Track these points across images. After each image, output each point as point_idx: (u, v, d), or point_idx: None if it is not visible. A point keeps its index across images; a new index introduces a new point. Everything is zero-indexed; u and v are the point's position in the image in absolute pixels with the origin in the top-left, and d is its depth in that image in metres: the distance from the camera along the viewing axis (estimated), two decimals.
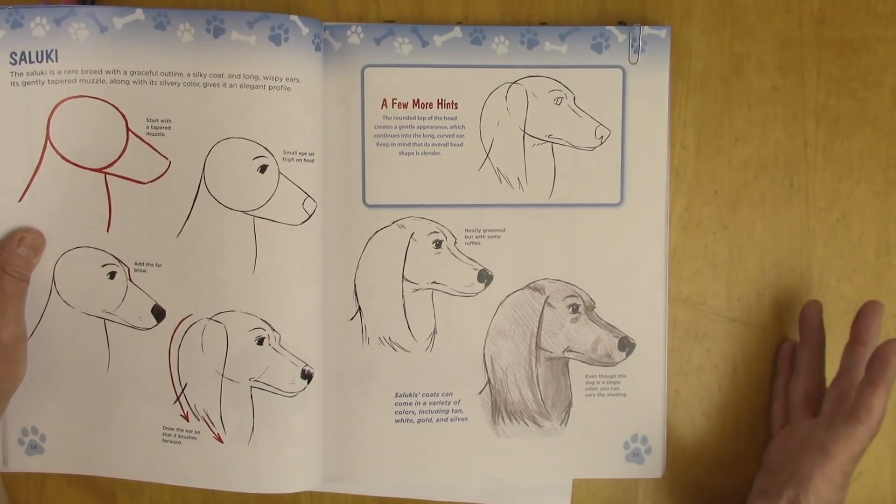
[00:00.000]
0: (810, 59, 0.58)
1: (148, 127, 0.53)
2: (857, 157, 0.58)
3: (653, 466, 0.58)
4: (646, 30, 0.56)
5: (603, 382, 0.57)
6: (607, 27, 0.56)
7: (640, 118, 0.57)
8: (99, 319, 0.55)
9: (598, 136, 0.56)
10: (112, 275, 0.54)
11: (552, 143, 0.56)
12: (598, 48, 0.56)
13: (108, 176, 0.54)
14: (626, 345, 0.57)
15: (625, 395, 0.58)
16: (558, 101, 0.56)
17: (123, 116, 0.53)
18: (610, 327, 0.57)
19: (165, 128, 0.53)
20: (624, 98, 0.56)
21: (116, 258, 0.54)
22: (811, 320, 0.57)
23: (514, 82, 0.56)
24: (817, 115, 0.58)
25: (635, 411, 0.58)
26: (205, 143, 0.53)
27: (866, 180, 0.58)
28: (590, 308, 0.57)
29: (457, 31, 0.56)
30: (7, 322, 0.52)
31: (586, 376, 0.57)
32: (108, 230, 0.54)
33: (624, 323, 0.57)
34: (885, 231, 0.59)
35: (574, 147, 0.56)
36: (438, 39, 0.56)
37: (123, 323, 0.55)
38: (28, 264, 0.53)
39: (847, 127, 0.58)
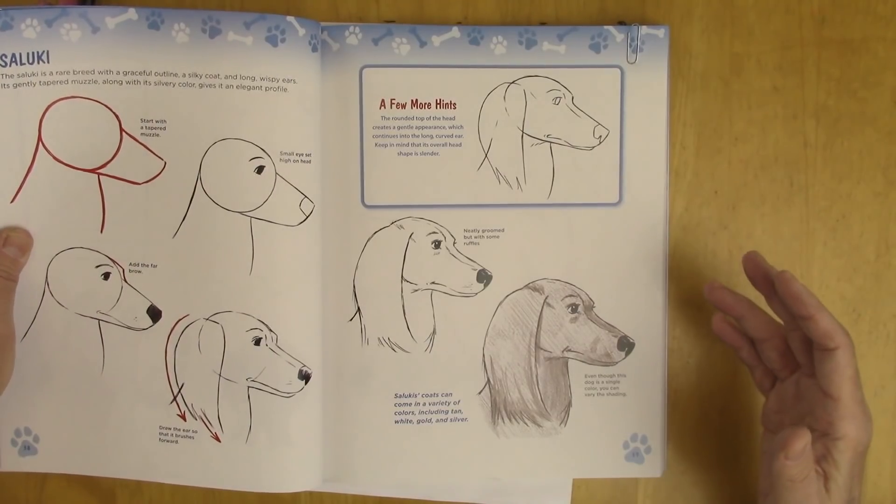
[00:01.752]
0: (810, 59, 0.58)
1: (142, 127, 0.53)
2: (857, 157, 0.59)
3: (652, 466, 0.58)
4: (644, 29, 0.56)
5: (602, 382, 0.57)
6: (605, 27, 0.56)
7: (638, 118, 0.57)
8: (93, 320, 0.54)
9: (597, 135, 0.56)
10: (106, 275, 0.54)
11: (550, 142, 0.56)
12: (596, 48, 0.56)
13: (101, 176, 0.53)
14: (625, 344, 0.57)
15: (624, 395, 0.57)
16: (557, 100, 0.56)
17: (117, 117, 0.53)
18: (609, 327, 0.57)
19: (160, 128, 0.53)
20: (622, 98, 0.56)
21: (111, 259, 0.54)
22: (760, 270, 0.52)
23: (513, 82, 0.56)
24: (817, 115, 0.58)
25: (635, 411, 0.57)
26: (201, 143, 0.53)
27: (866, 180, 0.59)
28: (589, 308, 0.57)
29: (455, 32, 0.56)
30: None
31: (585, 376, 0.57)
32: (101, 231, 0.54)
33: (623, 323, 0.57)
34: (885, 231, 0.59)
35: (572, 147, 0.56)
36: (436, 40, 0.56)
37: (118, 324, 0.54)
38: (15, 263, 0.53)
39: (847, 127, 0.58)
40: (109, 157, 0.53)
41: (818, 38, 0.58)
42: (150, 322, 0.54)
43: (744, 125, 0.58)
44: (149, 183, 0.53)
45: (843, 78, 0.58)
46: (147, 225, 0.53)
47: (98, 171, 0.53)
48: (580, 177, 0.57)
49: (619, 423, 0.58)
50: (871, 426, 0.49)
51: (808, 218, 0.58)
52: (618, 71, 0.56)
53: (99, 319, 0.54)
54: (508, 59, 0.56)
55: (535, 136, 0.56)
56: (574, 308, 0.56)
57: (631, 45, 0.55)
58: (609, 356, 0.57)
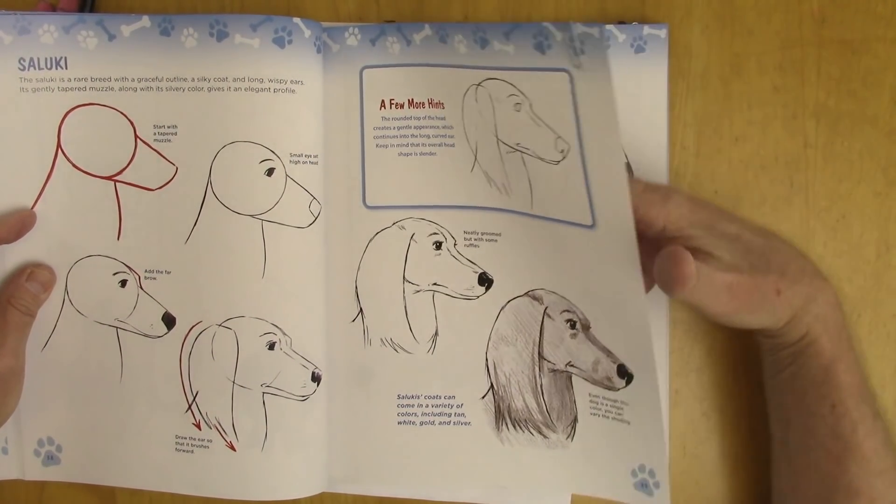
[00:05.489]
0: (810, 59, 0.60)
1: (155, 133, 0.56)
2: (857, 157, 0.61)
3: (661, 500, 0.56)
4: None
5: (606, 405, 0.58)
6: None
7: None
8: (111, 328, 0.57)
9: (559, 149, 0.52)
10: (123, 283, 0.57)
11: (521, 152, 0.55)
12: (540, 48, 0.52)
13: (117, 184, 0.56)
14: (624, 373, 0.56)
15: (628, 424, 0.57)
16: (517, 107, 0.54)
17: (132, 123, 0.56)
18: (607, 351, 0.57)
19: (172, 133, 0.56)
20: (575, 105, 0.50)
21: (127, 266, 0.57)
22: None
23: (479, 84, 0.56)
24: (817, 115, 0.61)
25: (640, 442, 0.56)
26: (211, 147, 0.56)
27: (866, 180, 0.61)
28: (586, 327, 0.58)
29: (427, 30, 0.57)
30: (4, 353, 0.54)
31: (590, 395, 0.58)
32: (118, 238, 0.56)
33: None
34: (885, 231, 0.61)
35: (541, 159, 0.54)
36: (417, 37, 0.58)
37: (135, 331, 0.57)
38: (36, 299, 0.56)
39: (847, 127, 0.61)
40: (125, 164, 0.56)
41: (818, 38, 0.60)
42: (165, 329, 0.56)
43: (744, 125, 0.60)
44: (161, 189, 0.56)
45: (843, 78, 0.60)
46: (161, 231, 0.56)
47: (114, 178, 0.57)
48: (551, 192, 0.54)
49: (625, 450, 0.57)
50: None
51: (808, 218, 0.60)
52: (566, 75, 0.50)
53: (117, 327, 0.56)
54: (472, 60, 0.55)
55: (507, 143, 0.56)
56: (572, 324, 0.58)
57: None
58: (611, 381, 0.57)
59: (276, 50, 0.55)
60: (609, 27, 0.58)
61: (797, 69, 0.61)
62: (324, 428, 0.58)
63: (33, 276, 0.56)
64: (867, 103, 0.61)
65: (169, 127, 0.56)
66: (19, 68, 0.55)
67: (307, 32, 0.56)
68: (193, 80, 0.56)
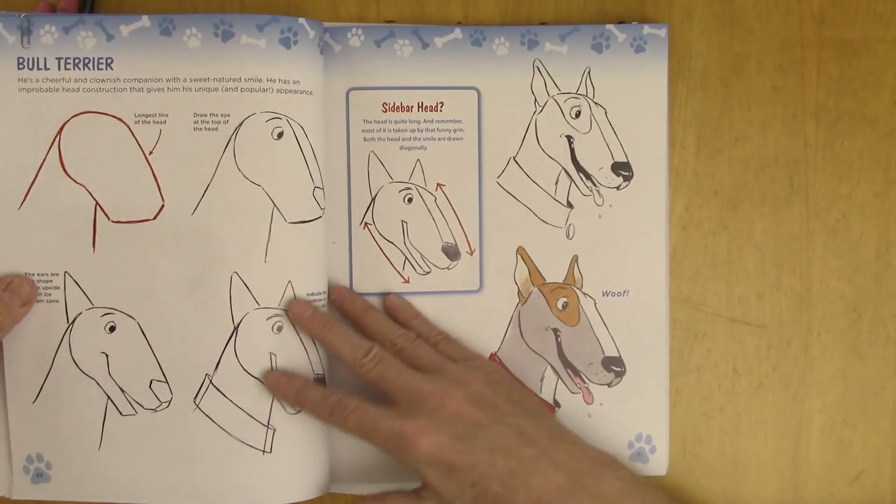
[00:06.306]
0: (810, 59, 0.61)
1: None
2: (857, 157, 0.61)
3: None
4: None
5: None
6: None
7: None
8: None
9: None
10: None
11: None
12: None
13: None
14: None
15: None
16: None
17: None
18: None
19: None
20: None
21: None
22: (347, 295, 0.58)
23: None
24: (817, 115, 0.61)
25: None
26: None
27: (866, 180, 0.61)
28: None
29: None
30: None
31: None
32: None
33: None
34: (885, 231, 0.61)
35: None
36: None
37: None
38: (10, 312, 0.52)
39: (847, 127, 0.61)
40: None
41: (818, 38, 0.60)
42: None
43: (744, 125, 0.60)
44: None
45: (843, 78, 0.60)
46: None
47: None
48: None
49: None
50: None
51: (808, 218, 0.60)
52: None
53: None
54: None
55: None
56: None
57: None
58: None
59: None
60: (609, 27, 0.59)
61: (797, 69, 0.61)
62: (326, 429, 0.58)
63: (11, 288, 0.52)
64: (867, 103, 0.61)
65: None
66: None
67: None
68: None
